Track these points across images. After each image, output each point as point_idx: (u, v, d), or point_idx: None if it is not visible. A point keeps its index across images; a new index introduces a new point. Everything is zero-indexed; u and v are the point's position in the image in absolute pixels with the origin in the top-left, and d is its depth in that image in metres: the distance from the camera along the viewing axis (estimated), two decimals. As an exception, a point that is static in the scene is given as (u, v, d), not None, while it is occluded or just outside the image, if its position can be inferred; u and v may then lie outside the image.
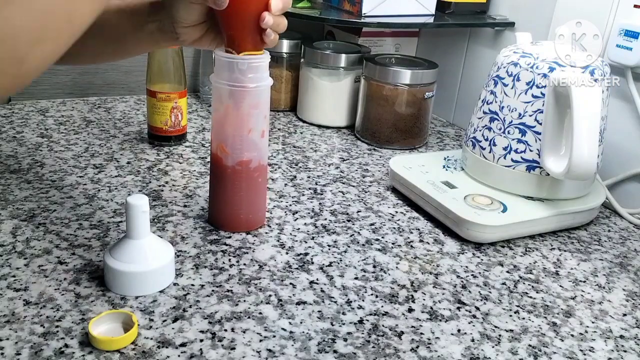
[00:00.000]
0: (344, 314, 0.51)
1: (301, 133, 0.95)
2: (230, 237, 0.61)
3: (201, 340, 0.46)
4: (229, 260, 0.57)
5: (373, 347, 0.47)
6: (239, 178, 0.60)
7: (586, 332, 0.51)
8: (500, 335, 0.50)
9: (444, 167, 0.76)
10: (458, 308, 0.53)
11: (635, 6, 0.71)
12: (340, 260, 0.59)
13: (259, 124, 0.58)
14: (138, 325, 0.46)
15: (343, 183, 0.77)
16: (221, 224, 0.63)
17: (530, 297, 0.56)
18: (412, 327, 0.50)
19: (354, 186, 0.76)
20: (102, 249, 0.57)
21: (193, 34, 0.58)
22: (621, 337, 0.51)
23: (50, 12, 0.39)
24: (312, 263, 0.58)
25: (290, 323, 0.49)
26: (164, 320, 0.48)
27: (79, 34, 0.42)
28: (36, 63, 0.40)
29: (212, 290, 0.52)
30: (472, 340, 0.49)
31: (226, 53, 0.55)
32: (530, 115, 0.66)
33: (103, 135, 0.86)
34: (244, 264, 0.56)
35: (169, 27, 0.58)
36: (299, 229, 0.64)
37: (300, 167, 0.81)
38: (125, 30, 0.60)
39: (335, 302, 0.52)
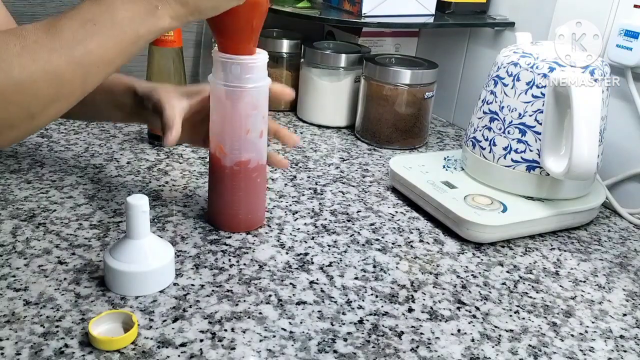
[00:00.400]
0: (344, 314, 0.51)
1: (301, 133, 0.95)
2: (230, 237, 0.61)
3: (201, 340, 0.46)
4: (229, 260, 0.57)
5: (373, 347, 0.47)
6: (237, 178, 0.60)
7: (586, 332, 0.51)
8: (500, 335, 0.50)
9: (444, 167, 0.76)
10: (458, 308, 0.53)
11: (635, 6, 0.71)
12: (340, 260, 0.59)
13: (257, 124, 0.58)
14: (138, 325, 0.46)
15: (343, 183, 0.77)
16: (220, 224, 0.63)
17: (530, 297, 0.56)
18: (412, 327, 0.50)
19: (354, 186, 0.76)
20: (102, 249, 0.57)
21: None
22: (621, 337, 0.51)
23: (69, 79, 0.43)
24: (312, 263, 0.58)
25: (290, 323, 0.49)
26: (164, 320, 0.48)
27: (89, 92, 0.45)
28: (47, 119, 0.43)
29: (212, 290, 0.52)
30: (472, 340, 0.49)
31: (222, 53, 0.55)
32: (530, 115, 0.66)
33: (103, 135, 0.86)
34: (244, 264, 0.57)
35: (143, 118, 0.63)
36: (299, 229, 0.64)
37: (300, 167, 0.81)
38: (101, 103, 0.65)
39: (335, 302, 0.52)
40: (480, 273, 0.59)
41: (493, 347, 0.48)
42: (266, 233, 0.63)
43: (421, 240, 0.64)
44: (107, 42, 0.43)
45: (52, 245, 0.57)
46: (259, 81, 0.56)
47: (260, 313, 0.50)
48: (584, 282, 0.59)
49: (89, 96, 0.64)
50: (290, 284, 0.54)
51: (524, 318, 0.52)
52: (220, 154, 0.59)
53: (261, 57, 0.56)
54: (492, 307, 0.53)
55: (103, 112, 0.67)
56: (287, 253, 0.59)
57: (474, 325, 0.51)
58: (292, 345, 0.46)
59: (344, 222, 0.67)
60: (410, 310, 0.52)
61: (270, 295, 0.52)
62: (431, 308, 0.52)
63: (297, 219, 0.66)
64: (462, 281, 0.57)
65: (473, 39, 1.00)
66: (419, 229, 0.67)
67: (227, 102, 0.57)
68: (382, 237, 0.64)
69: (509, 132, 0.68)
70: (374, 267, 0.58)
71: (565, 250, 0.65)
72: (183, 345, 0.45)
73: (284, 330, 0.48)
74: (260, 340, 0.46)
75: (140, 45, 0.45)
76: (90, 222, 0.62)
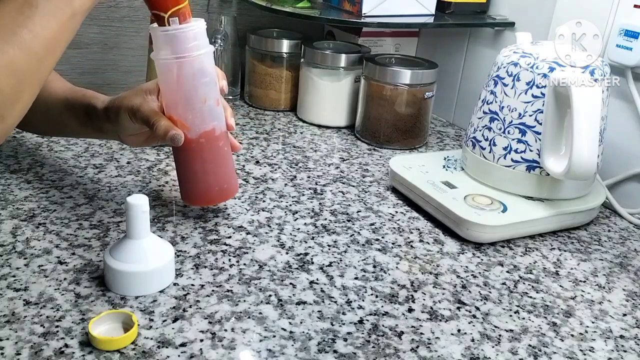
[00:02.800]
0: (344, 314, 0.51)
1: (301, 133, 0.95)
2: (230, 237, 0.61)
3: (201, 340, 0.46)
4: (229, 260, 0.57)
5: (373, 347, 0.47)
6: (205, 150, 0.59)
7: (586, 332, 0.51)
8: (500, 335, 0.50)
9: (444, 167, 0.76)
10: (458, 308, 0.53)
11: (635, 6, 0.71)
12: (340, 260, 0.59)
13: (211, 92, 0.58)
14: (138, 325, 0.46)
15: (343, 183, 0.77)
16: (196, 200, 0.63)
17: (530, 297, 0.56)
18: (412, 327, 0.50)
19: (354, 186, 0.76)
20: (102, 249, 0.57)
21: (137, 140, 0.63)
22: (621, 337, 0.51)
23: (25, 66, 0.43)
24: (312, 263, 0.58)
25: (290, 323, 0.49)
26: (164, 320, 0.48)
27: (44, 80, 0.46)
28: (16, 117, 0.44)
29: (212, 290, 0.52)
30: (472, 340, 0.49)
31: (163, 27, 0.54)
32: (530, 115, 0.66)
33: (103, 135, 0.86)
34: (244, 264, 0.57)
35: (112, 133, 0.63)
36: (299, 229, 0.64)
37: (300, 167, 0.81)
38: (69, 121, 0.65)
39: (335, 302, 0.52)
40: (480, 273, 0.59)
41: (493, 347, 0.48)
42: (266, 233, 0.63)
43: (421, 240, 0.64)
44: (48, 21, 0.44)
45: (52, 245, 0.57)
46: (204, 47, 0.56)
47: (260, 313, 0.50)
48: (584, 282, 0.59)
49: (55, 114, 0.65)
50: (290, 284, 0.54)
51: (524, 318, 0.52)
52: (183, 129, 0.58)
53: (200, 21, 0.56)
54: (492, 307, 0.53)
55: (71, 130, 0.67)
56: (287, 253, 0.59)
57: (474, 325, 0.51)
58: (292, 345, 0.46)
59: (344, 222, 0.67)
60: (410, 310, 0.52)
61: (270, 295, 0.52)
62: (431, 308, 0.52)
63: (297, 219, 0.66)
64: (462, 281, 0.57)
65: (473, 39, 1.00)
66: (419, 229, 0.67)
67: (179, 76, 0.56)
68: (382, 237, 0.64)
69: (509, 132, 0.68)
70: (374, 267, 0.58)
71: (565, 250, 0.65)
72: (183, 345, 0.45)
73: (284, 330, 0.48)
74: (260, 340, 0.46)
75: (78, 19, 0.46)
76: (90, 222, 0.62)
